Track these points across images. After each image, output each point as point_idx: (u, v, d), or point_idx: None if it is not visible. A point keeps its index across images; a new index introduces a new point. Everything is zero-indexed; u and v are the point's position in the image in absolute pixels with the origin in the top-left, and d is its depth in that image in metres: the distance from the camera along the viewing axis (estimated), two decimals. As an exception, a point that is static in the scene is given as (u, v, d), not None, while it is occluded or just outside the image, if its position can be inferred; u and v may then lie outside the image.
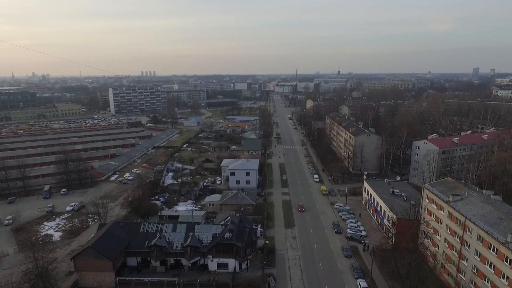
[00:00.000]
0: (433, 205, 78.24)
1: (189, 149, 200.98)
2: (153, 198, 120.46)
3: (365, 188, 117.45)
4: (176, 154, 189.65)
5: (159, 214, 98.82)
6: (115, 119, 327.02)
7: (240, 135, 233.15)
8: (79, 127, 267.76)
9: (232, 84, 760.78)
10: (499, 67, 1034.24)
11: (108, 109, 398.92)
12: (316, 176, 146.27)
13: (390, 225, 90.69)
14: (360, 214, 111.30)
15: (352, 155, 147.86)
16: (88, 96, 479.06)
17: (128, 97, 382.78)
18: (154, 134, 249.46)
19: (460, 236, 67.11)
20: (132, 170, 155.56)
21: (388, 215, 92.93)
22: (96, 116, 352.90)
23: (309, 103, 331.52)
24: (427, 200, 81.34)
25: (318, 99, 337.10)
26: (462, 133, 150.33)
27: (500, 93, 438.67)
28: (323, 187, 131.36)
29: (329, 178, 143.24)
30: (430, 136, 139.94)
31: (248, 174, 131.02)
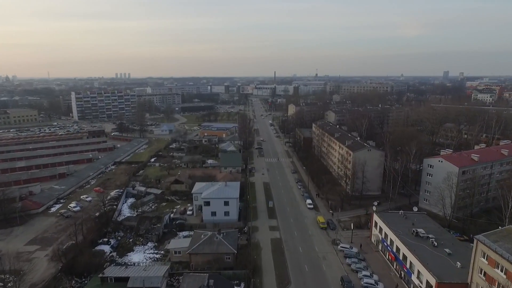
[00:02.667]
0: (497, 270, 53.92)
1: (157, 164, 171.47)
2: (100, 241, 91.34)
3: (375, 222, 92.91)
4: (141, 171, 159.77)
5: (100, 275, 70.03)
6: (76, 127, 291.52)
7: (217, 145, 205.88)
8: (30, 137, 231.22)
9: (209, 87, 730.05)
10: (467, 71, 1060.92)
11: (71, 114, 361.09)
12: (309, 201, 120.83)
13: None
14: (361, 245, 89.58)
15: (351, 175, 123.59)
16: (52, 100, 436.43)
17: (93, 101, 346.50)
18: (119, 145, 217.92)
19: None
20: (81, 197, 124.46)
21: (418, 271, 68.32)
22: (56, 123, 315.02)
23: (291, 109, 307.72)
24: (483, 259, 56.96)
25: (301, 104, 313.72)
26: (476, 147, 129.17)
27: (480, 96, 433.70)
28: (320, 218, 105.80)
29: (330, 211, 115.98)
30: (442, 152, 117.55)
31: (226, 203, 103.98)
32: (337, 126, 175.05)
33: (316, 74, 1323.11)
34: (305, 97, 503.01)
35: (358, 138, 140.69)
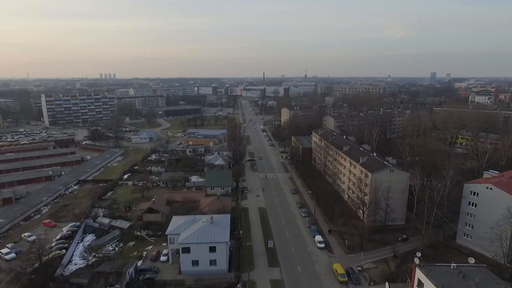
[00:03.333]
0: None
1: (130, 182, 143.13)
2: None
3: (419, 280, 67.33)
4: (109, 193, 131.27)
5: None
6: (44, 134, 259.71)
7: (203, 158, 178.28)
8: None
9: (196, 88, 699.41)
10: (453, 72, 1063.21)
11: (42, 119, 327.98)
12: (318, 238, 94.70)
13: None
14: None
15: (370, 202, 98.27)
16: (24, 103, 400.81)
17: (66, 105, 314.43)
18: (88, 157, 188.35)
19: None
20: (23, 235, 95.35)
21: None
22: (22, 130, 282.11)
23: (285, 113, 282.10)
24: None
25: (294, 108, 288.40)
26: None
27: (477, 98, 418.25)
28: (338, 268, 79.36)
29: (348, 254, 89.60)
30: (485, 175, 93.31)
31: (212, 249, 77.20)
32: (344, 137, 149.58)
33: (305, 75, 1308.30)
34: (297, 99, 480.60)
35: (375, 154, 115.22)
